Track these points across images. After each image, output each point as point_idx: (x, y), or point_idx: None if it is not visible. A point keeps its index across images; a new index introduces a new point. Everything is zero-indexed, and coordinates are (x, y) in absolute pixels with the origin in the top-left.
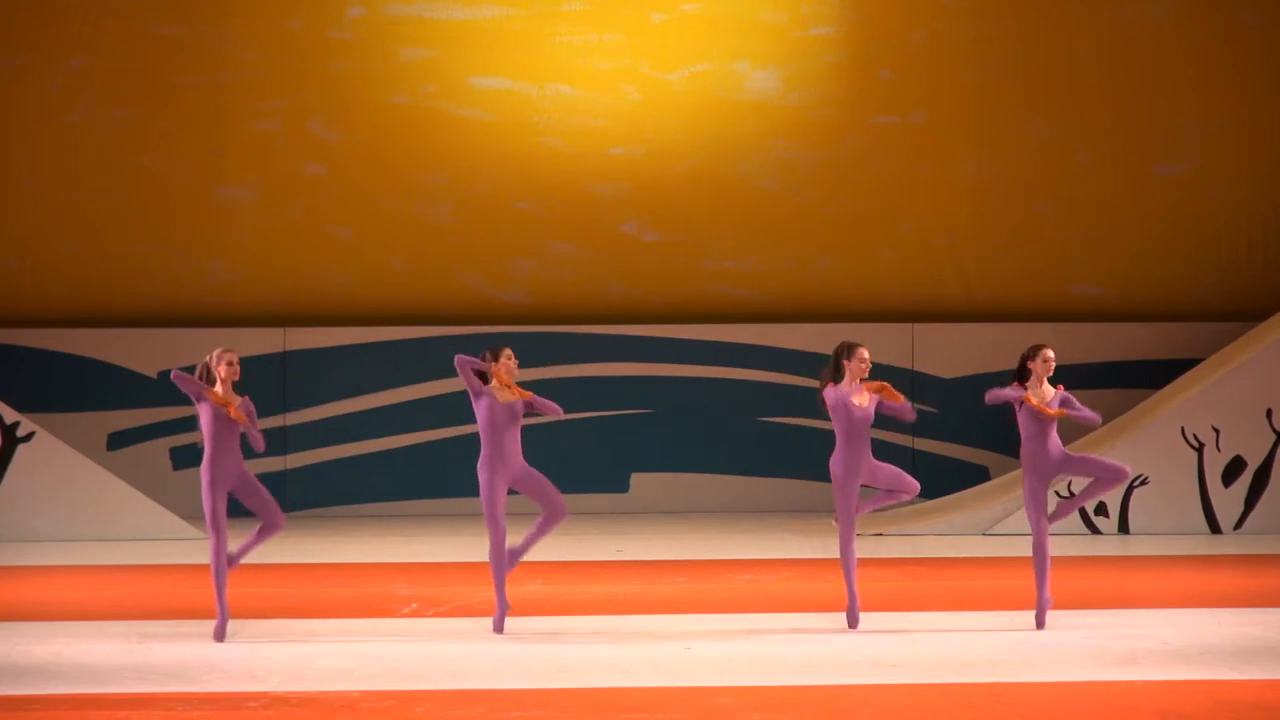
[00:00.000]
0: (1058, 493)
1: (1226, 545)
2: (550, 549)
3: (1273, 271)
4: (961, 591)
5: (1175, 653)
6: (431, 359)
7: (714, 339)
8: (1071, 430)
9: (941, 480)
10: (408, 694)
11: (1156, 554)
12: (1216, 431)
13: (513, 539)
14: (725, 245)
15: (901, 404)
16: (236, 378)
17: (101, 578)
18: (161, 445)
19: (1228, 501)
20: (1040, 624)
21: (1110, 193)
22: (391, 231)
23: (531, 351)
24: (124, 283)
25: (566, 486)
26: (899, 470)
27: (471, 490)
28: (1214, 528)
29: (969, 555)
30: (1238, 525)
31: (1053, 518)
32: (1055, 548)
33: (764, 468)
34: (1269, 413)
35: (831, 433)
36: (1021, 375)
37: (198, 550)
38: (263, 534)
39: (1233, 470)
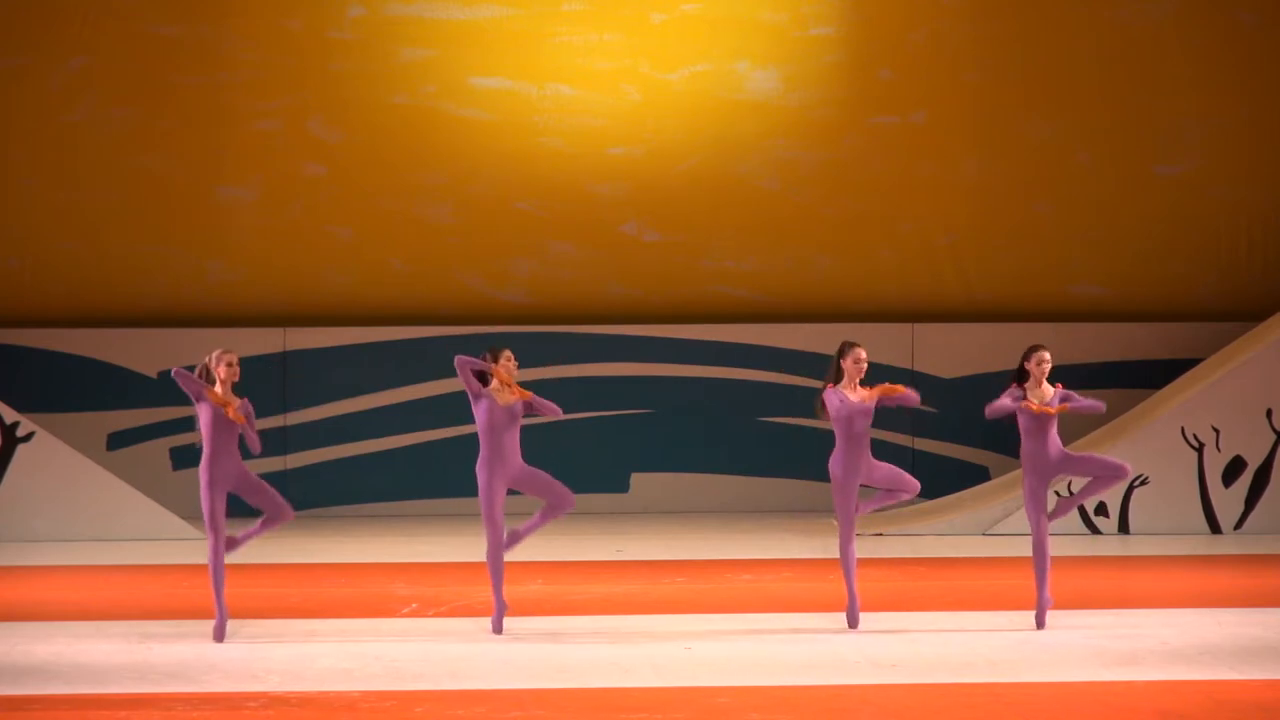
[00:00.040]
0: (1057, 492)
1: (1226, 545)
2: (550, 549)
3: (1273, 271)
4: (961, 591)
5: (1175, 653)
6: (431, 359)
7: (714, 339)
8: (1072, 430)
9: (941, 480)
10: (408, 694)
11: (1156, 554)
12: (1216, 431)
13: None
14: (725, 245)
15: (903, 394)
16: (236, 379)
17: (101, 578)
18: (161, 445)
19: (1228, 501)
20: (1040, 624)
21: (1110, 193)
22: (391, 231)
23: (531, 351)
24: (124, 283)
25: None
26: (899, 470)
27: (471, 490)
28: (1214, 528)
29: (969, 555)
30: (1238, 525)
31: (1052, 516)
32: (1055, 548)
33: (764, 468)
34: (1269, 413)
35: (831, 433)
36: (1021, 376)
37: (198, 550)
38: (268, 523)
39: (1233, 470)
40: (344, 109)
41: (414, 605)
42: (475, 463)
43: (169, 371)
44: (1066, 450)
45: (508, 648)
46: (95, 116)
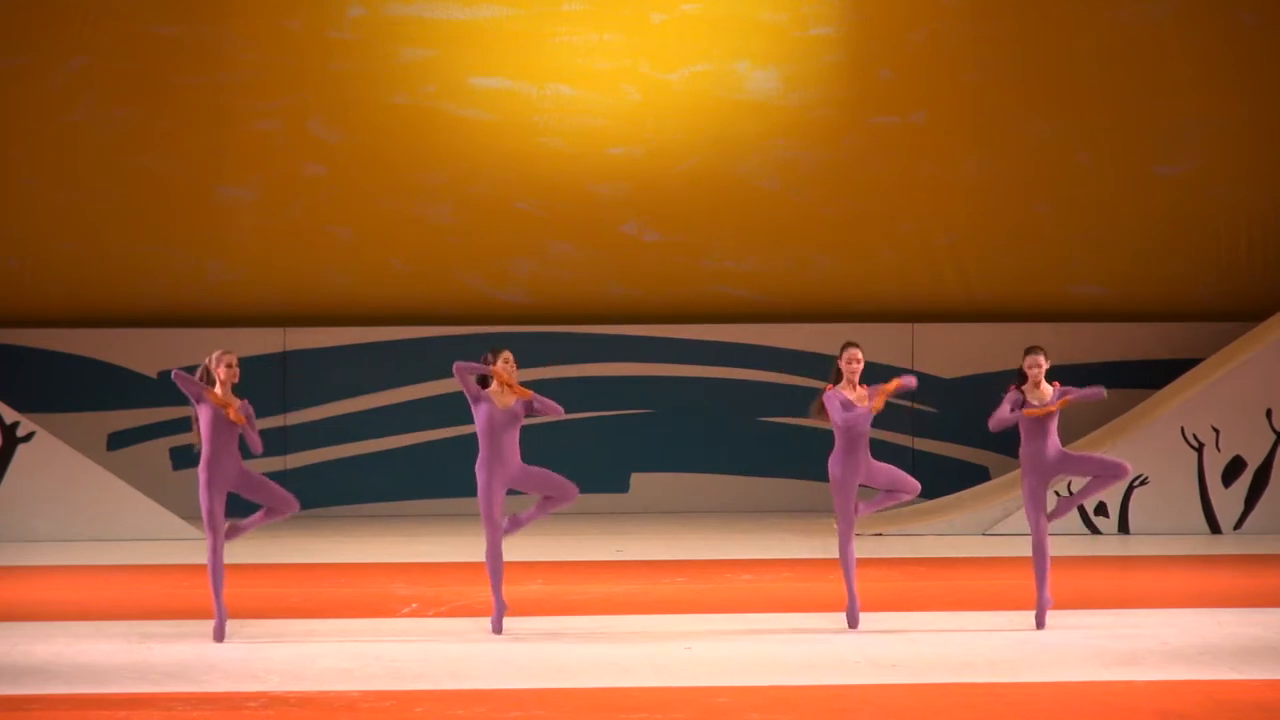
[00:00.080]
0: (1057, 492)
1: (1226, 545)
2: (550, 549)
3: (1273, 271)
4: (961, 591)
5: (1175, 653)
6: (431, 359)
7: (714, 339)
8: (1073, 430)
9: (941, 480)
10: (408, 694)
11: (1156, 554)
12: (1216, 431)
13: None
14: (725, 245)
15: (898, 386)
16: (236, 380)
17: (101, 578)
18: (161, 445)
19: (1228, 501)
20: (1040, 624)
21: (1110, 193)
22: (391, 231)
23: (531, 351)
24: (124, 283)
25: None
26: (899, 471)
27: (471, 490)
28: (1214, 528)
29: (969, 555)
30: (1238, 525)
31: (1052, 516)
32: (1055, 548)
33: (764, 468)
34: (1269, 413)
35: (831, 433)
36: (1021, 378)
37: (198, 550)
38: (271, 513)
39: (1233, 470)
40: (344, 109)
41: (414, 605)
42: (475, 463)
43: (169, 372)
44: (1066, 450)
45: (508, 648)
46: (95, 116)
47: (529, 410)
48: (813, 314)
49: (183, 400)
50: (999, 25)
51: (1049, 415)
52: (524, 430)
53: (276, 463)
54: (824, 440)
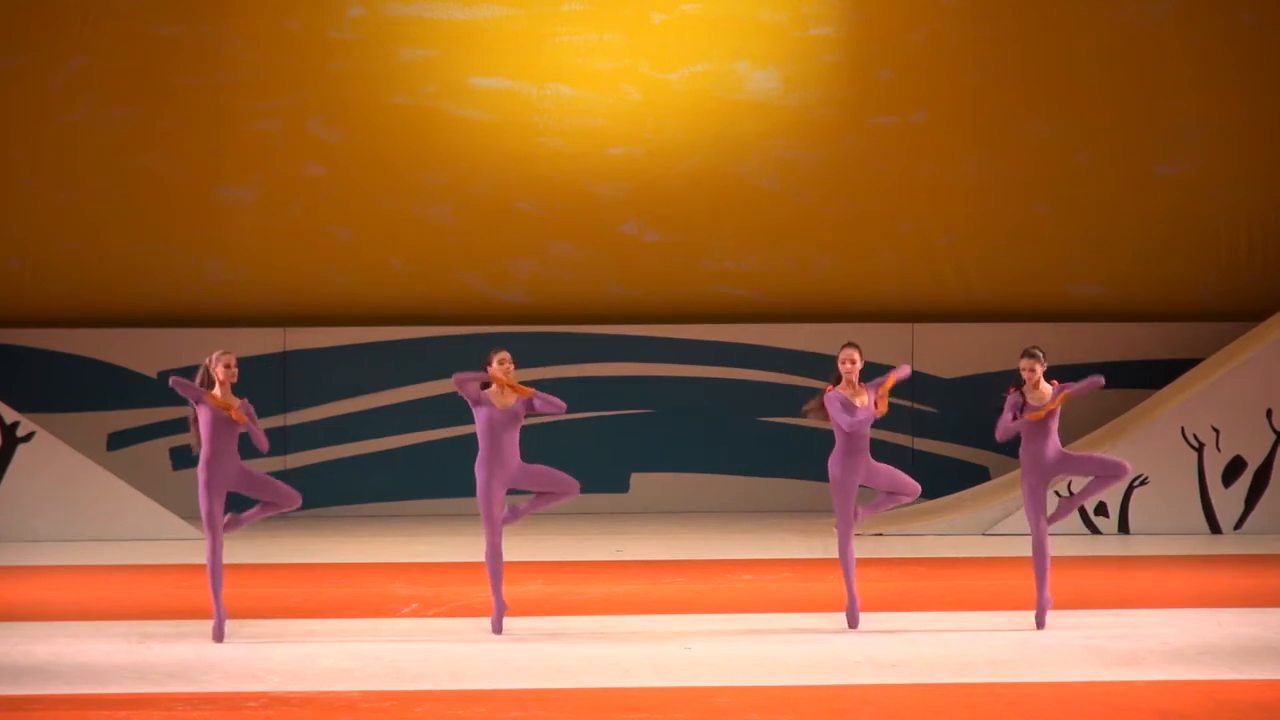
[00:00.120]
0: (1058, 493)
1: (1226, 545)
2: (550, 549)
3: (1273, 271)
4: (961, 591)
5: (1175, 653)
6: (431, 359)
7: (714, 339)
8: (1073, 430)
9: (941, 480)
10: (408, 694)
11: (1156, 554)
12: (1216, 431)
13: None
14: (725, 245)
15: (895, 381)
16: (234, 379)
17: (101, 578)
18: (161, 445)
19: (1228, 501)
20: (1040, 624)
21: (1110, 193)
22: (391, 231)
23: (531, 351)
24: (124, 283)
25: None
26: (898, 472)
27: (471, 490)
28: (1214, 528)
29: (969, 555)
30: (1238, 525)
31: (1053, 518)
32: (1055, 548)
33: (764, 468)
34: (1269, 413)
35: (831, 433)
36: (1020, 380)
37: (198, 550)
38: (271, 507)
39: (1233, 470)
40: (344, 109)
41: (414, 605)
42: (475, 462)
43: (169, 373)
44: (1065, 450)
45: (508, 648)
46: (95, 116)
47: (530, 409)
48: (813, 314)
49: (183, 400)
50: (999, 25)
51: (1050, 415)
52: (524, 430)
53: (277, 463)
54: (824, 440)
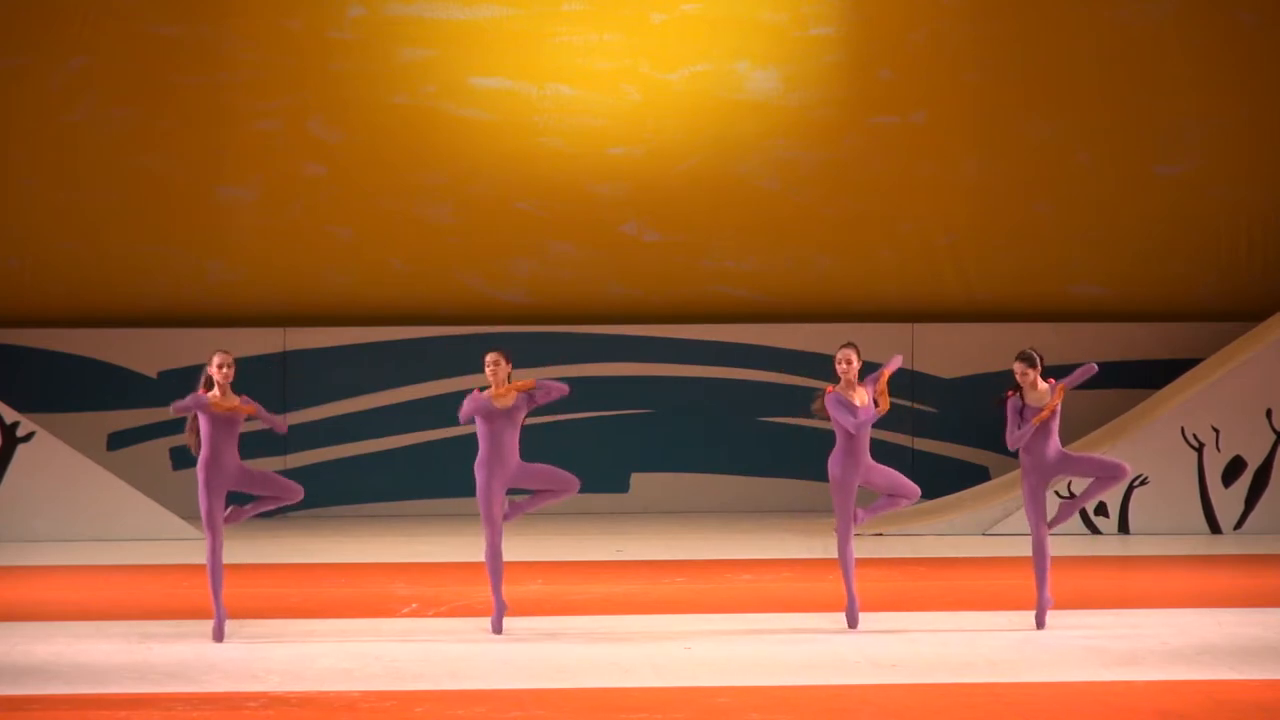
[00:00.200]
0: (1058, 493)
1: (1226, 545)
2: (550, 549)
3: (1273, 271)
4: (961, 591)
5: (1175, 653)
6: (431, 359)
7: (714, 339)
8: (1074, 430)
9: (941, 480)
10: (408, 694)
11: (1156, 554)
12: (1216, 431)
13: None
14: (725, 245)
15: (888, 372)
16: (230, 379)
17: (101, 578)
18: (161, 445)
19: (1228, 501)
20: (1040, 624)
21: (1110, 193)
22: (391, 231)
23: (531, 351)
24: (124, 283)
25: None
26: (898, 474)
27: (471, 490)
28: (1214, 528)
29: (969, 555)
30: (1238, 525)
31: (1054, 521)
32: (1055, 548)
33: (764, 468)
34: (1269, 413)
35: (831, 433)
36: (1016, 384)
37: (198, 550)
38: (272, 501)
39: (1233, 470)
40: (344, 109)
41: (414, 605)
42: (475, 462)
43: (169, 372)
44: (1066, 450)
45: (508, 648)
46: (95, 116)
47: (532, 403)
48: (813, 314)
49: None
50: (999, 25)
51: (1052, 414)
52: (524, 429)
53: (277, 463)
54: (824, 440)
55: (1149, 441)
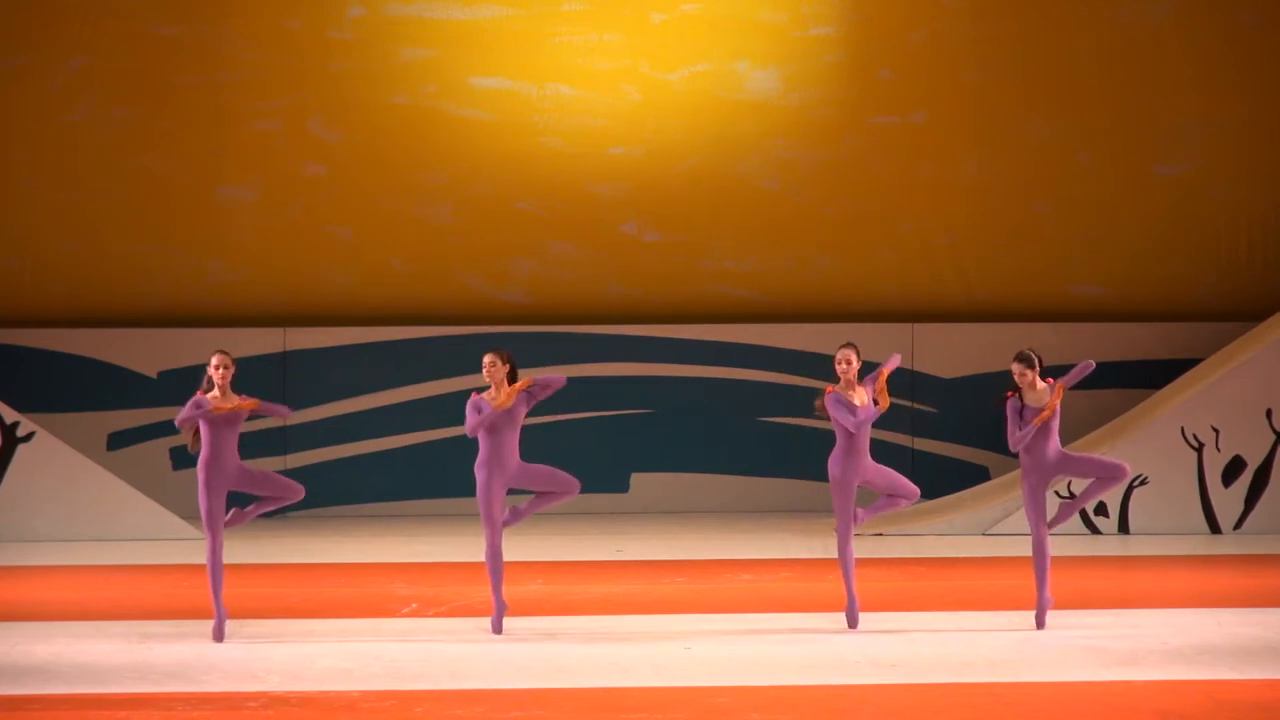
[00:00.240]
0: (1058, 493)
1: (1226, 545)
2: (550, 549)
3: (1273, 271)
4: (961, 591)
5: (1175, 653)
6: (431, 359)
7: (714, 339)
8: (1074, 430)
9: (941, 480)
10: (408, 694)
11: (1156, 554)
12: (1216, 431)
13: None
14: (725, 245)
15: (888, 371)
16: (228, 379)
17: (101, 578)
18: (161, 445)
19: (1228, 501)
20: (1040, 624)
21: (1110, 193)
22: (391, 231)
23: (531, 351)
24: (124, 283)
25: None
26: (898, 474)
27: (471, 490)
28: (1214, 528)
29: (969, 555)
30: (1238, 525)
31: (1054, 521)
32: (1055, 548)
33: (764, 468)
34: (1269, 413)
35: (831, 433)
36: (1014, 384)
37: (198, 550)
38: (273, 501)
39: (1233, 470)
40: (344, 109)
41: (414, 605)
42: (475, 463)
43: (169, 372)
44: (1065, 450)
45: (507, 648)
46: (95, 116)
47: (532, 399)
48: (813, 314)
49: (182, 400)
50: (999, 25)
51: (1053, 414)
52: (524, 430)
53: (277, 463)
54: (824, 440)
55: (1149, 441)
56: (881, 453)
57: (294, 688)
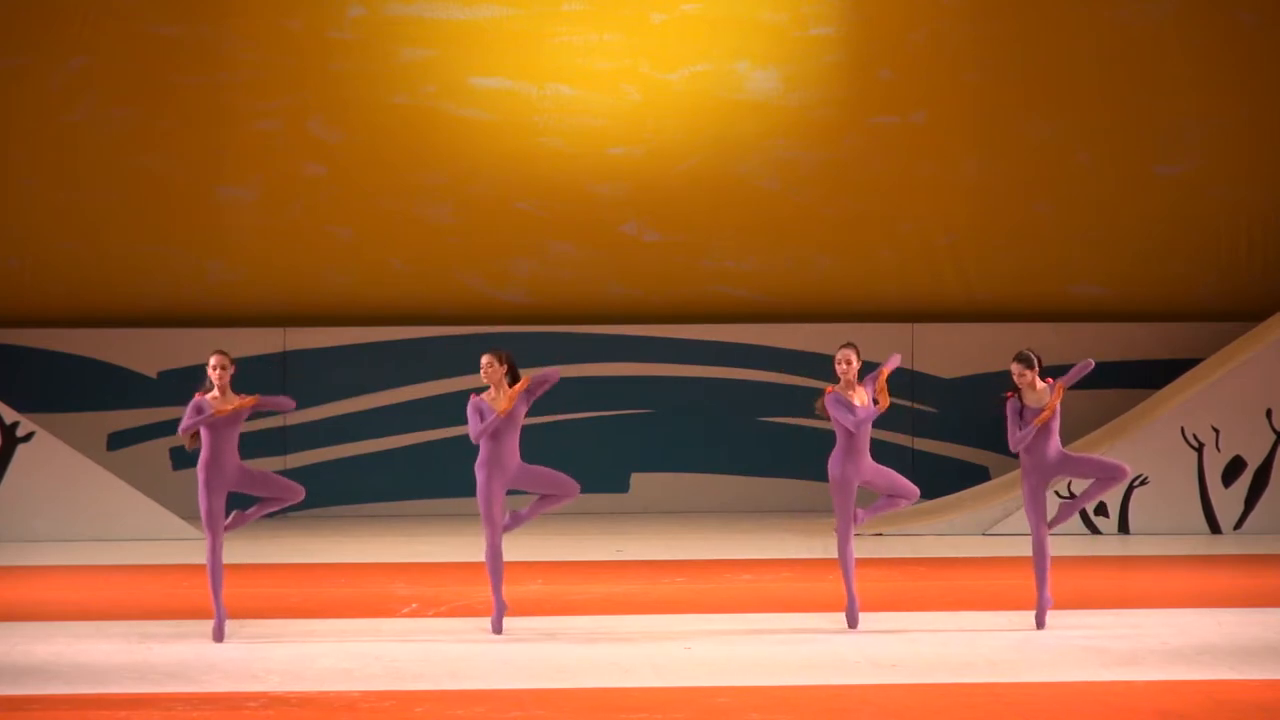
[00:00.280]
0: (1058, 493)
1: (1226, 545)
2: (550, 549)
3: (1273, 271)
4: (961, 591)
5: (1175, 653)
6: (431, 359)
7: (714, 339)
8: (1074, 429)
9: (941, 480)
10: (408, 694)
11: (1156, 554)
12: (1216, 431)
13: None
14: (725, 245)
15: (887, 371)
16: (227, 379)
17: (101, 578)
18: (161, 445)
19: (1228, 501)
20: (1040, 624)
21: (1110, 193)
22: (391, 231)
23: (531, 351)
24: (124, 283)
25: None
26: (897, 475)
27: (471, 490)
28: (1214, 528)
29: (969, 555)
30: (1238, 525)
31: (1054, 522)
32: (1055, 548)
33: (764, 468)
34: (1269, 413)
35: (831, 433)
36: (1014, 385)
37: (198, 550)
38: (274, 503)
39: (1233, 470)
40: (344, 109)
41: (414, 605)
42: (475, 463)
43: (169, 373)
44: (1066, 451)
45: (507, 648)
46: (95, 116)
47: (532, 396)
48: (813, 314)
49: (182, 400)
50: (999, 25)
51: (1053, 414)
52: (524, 430)
53: (277, 463)
54: (824, 440)
55: (1149, 441)
56: (881, 453)
57: (294, 688)
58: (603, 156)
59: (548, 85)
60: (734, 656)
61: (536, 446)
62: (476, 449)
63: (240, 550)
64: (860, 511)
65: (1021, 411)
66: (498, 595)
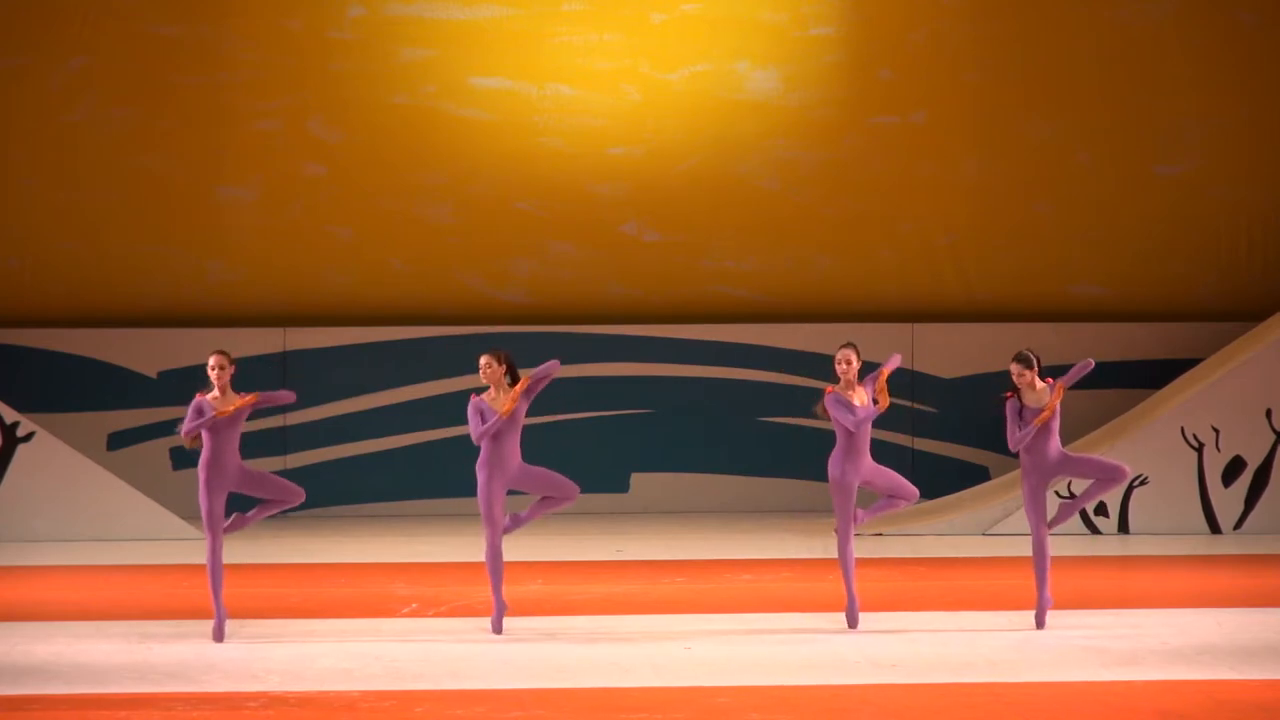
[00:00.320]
0: (1058, 493)
1: (1226, 545)
2: (550, 549)
3: (1273, 271)
4: (961, 591)
5: (1175, 653)
6: (431, 359)
7: (714, 339)
8: (1074, 429)
9: (941, 480)
10: (408, 694)
11: (1156, 554)
12: (1216, 431)
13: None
14: (725, 245)
15: (888, 371)
16: (226, 379)
17: (101, 578)
18: (161, 445)
19: (1228, 501)
20: (1040, 624)
21: (1110, 193)
22: (391, 231)
23: (531, 351)
24: (124, 283)
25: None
26: (897, 475)
27: (471, 490)
28: (1214, 528)
29: (969, 555)
30: (1237, 525)
31: (1054, 522)
32: (1055, 548)
33: (764, 468)
34: (1269, 413)
35: (831, 433)
36: (1013, 385)
37: (198, 550)
38: (275, 505)
39: (1233, 470)
40: (344, 109)
41: (414, 605)
42: (475, 463)
43: (169, 373)
44: (1066, 451)
45: (508, 648)
46: (95, 116)
47: (532, 394)
48: (813, 314)
49: (182, 400)
50: (999, 25)
51: (1053, 414)
52: (524, 430)
53: (276, 463)
54: (824, 440)
55: (1149, 441)
56: (881, 453)
57: (294, 688)
58: (603, 156)
59: (548, 85)
60: (734, 656)
61: (537, 446)
62: (477, 449)
63: (240, 550)
64: (860, 512)
65: (1021, 411)
66: (498, 595)
